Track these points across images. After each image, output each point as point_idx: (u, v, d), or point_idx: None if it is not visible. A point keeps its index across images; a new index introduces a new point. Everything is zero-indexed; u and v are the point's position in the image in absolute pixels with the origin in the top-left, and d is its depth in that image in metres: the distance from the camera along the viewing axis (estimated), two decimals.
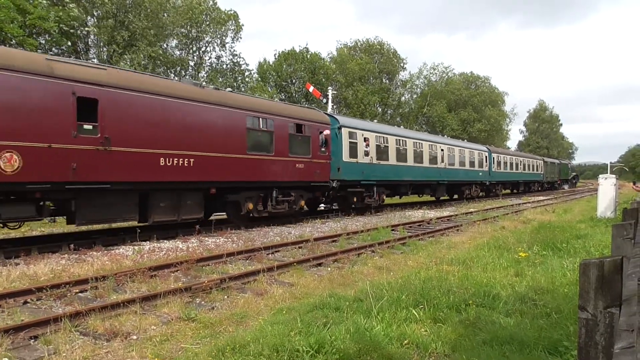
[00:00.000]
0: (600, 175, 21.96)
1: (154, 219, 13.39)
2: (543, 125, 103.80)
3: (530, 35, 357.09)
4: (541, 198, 39.79)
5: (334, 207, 22.75)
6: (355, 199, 21.82)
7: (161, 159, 13.03)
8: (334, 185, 19.85)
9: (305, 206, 19.61)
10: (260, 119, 16.36)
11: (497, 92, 73.87)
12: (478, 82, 71.01)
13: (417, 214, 23.15)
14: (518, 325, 5.68)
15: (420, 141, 27.83)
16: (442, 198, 32.41)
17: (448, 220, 20.63)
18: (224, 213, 17.17)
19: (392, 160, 24.37)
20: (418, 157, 26.94)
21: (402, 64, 56.12)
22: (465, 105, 63.78)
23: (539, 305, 6.55)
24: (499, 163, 39.52)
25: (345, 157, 20.67)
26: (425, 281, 7.65)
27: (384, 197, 24.61)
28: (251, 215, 16.75)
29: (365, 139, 22.20)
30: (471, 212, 23.92)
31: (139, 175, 12.58)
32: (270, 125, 16.70)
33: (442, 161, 29.90)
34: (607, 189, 20.43)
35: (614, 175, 21.90)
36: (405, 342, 5.27)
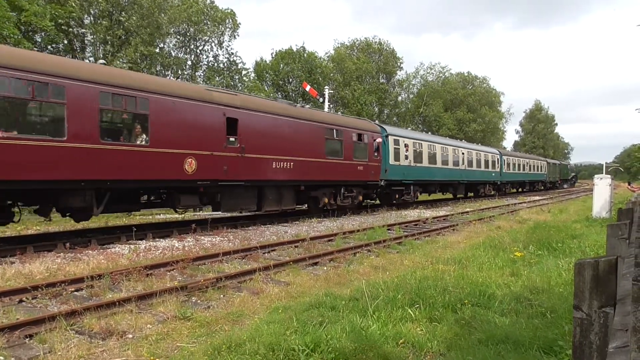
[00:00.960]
0: (595, 176, 22.05)
1: (265, 208, 17.24)
2: (539, 126, 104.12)
3: (525, 35, 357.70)
4: (537, 198, 39.91)
5: (377, 202, 26.09)
6: (397, 196, 25.68)
7: (273, 162, 16.83)
8: (382, 184, 23.53)
9: (362, 200, 23.32)
10: (334, 130, 20.24)
11: (495, 92, 74.09)
12: (475, 82, 71.17)
13: (413, 214, 23.19)
14: (513, 325, 5.70)
15: (446, 146, 31.48)
16: (458, 196, 35.37)
17: (444, 219, 20.67)
18: (305, 205, 20.85)
19: (425, 162, 28.05)
20: (444, 160, 30.67)
21: (399, 64, 56.20)
22: (461, 104, 63.97)
23: (535, 304, 6.57)
24: (508, 165, 43.51)
25: (391, 160, 24.29)
26: (421, 280, 7.67)
27: (418, 194, 28.38)
28: (325, 207, 20.51)
29: (406, 145, 25.93)
30: (467, 212, 23.98)
31: (260, 175, 16.39)
32: (340, 135, 20.51)
33: (463, 163, 33.52)
34: (602, 189, 20.51)
35: (609, 176, 21.99)
36: (401, 341, 5.29)
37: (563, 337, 5.09)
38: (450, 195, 35.74)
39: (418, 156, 27.20)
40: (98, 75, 11.80)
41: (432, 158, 28.94)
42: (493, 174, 39.57)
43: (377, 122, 27.82)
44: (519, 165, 46.97)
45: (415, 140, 27.49)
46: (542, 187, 57.17)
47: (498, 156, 41.06)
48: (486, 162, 38.15)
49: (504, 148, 72.38)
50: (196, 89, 15.25)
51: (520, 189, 50.65)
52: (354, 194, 21.82)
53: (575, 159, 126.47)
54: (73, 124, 11.06)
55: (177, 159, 13.50)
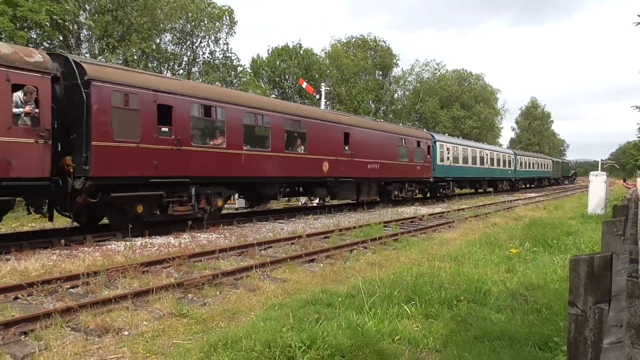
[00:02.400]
0: (591, 173, 22.12)
1: (361, 198, 23.22)
2: (535, 123, 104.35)
3: (520, 33, 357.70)
4: (532, 195, 40.02)
5: (427, 196, 31.78)
6: (441, 190, 31.75)
7: (368, 164, 22.70)
8: (431, 180, 29.34)
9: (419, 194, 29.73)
10: (403, 139, 26.45)
11: (490, 89, 74.19)
12: (471, 79, 71.24)
13: (409, 211, 23.22)
14: (509, 321, 5.72)
15: (475, 148, 37.60)
16: (479, 190, 40.68)
17: (440, 216, 20.71)
18: (378, 197, 25.28)
19: (461, 163, 33.95)
20: (474, 160, 36.34)
21: (395, 61, 56.16)
22: (456, 101, 64.12)
23: (530, 301, 6.60)
24: (521, 163, 49.43)
25: (438, 161, 30.26)
26: (417, 277, 7.68)
27: (455, 189, 34.44)
28: (394, 199, 25.98)
29: (447, 149, 31.81)
30: (463, 209, 24.03)
31: (361, 173, 22.32)
32: (406, 142, 26.72)
33: (487, 163, 39.16)
34: (597, 186, 20.58)
35: (604, 173, 22.06)
36: (397, 337, 5.30)
37: (558, 333, 5.11)
38: (472, 190, 40.45)
39: (455, 158, 33.11)
40: (283, 108, 18.50)
41: (465, 159, 34.71)
42: (509, 172, 45.39)
43: (424, 129, 35.10)
44: (529, 163, 53.09)
45: (453, 145, 33.42)
46: (548, 183, 62.94)
47: (513, 156, 47.06)
48: (504, 161, 43.81)
49: (500, 145, 72.65)
50: (328, 114, 22.34)
51: (529, 185, 55.62)
52: (413, 188, 28.06)
53: (570, 156, 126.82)
54: (272, 141, 17.09)
55: (319, 162, 19.66)
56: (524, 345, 4.98)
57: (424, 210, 23.61)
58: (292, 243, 12.41)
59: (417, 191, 28.75)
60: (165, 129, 13.21)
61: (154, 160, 12.86)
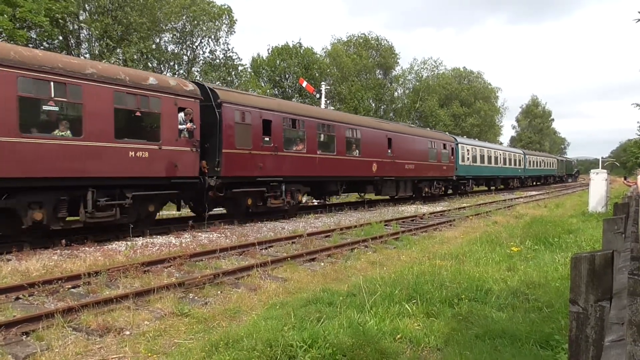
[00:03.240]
0: (591, 171, 22.12)
1: (399, 194, 26.29)
2: (535, 121, 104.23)
3: (519, 30, 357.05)
4: (533, 193, 39.99)
5: (448, 193, 34.45)
6: (462, 187, 35.16)
7: (406, 165, 26.00)
8: (454, 178, 32.71)
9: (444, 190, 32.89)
10: (432, 142, 29.73)
11: (490, 87, 74.12)
12: (471, 77, 71.17)
13: (410, 209, 23.23)
14: (510, 320, 5.72)
15: (490, 149, 41.14)
16: (490, 187, 43.36)
17: (441, 215, 20.71)
18: (412, 193, 28.30)
19: (478, 162, 37.38)
20: (489, 159, 39.77)
21: (396, 59, 56.11)
22: (456, 99, 64.14)
23: (531, 299, 6.60)
24: (529, 162, 52.46)
25: (460, 161, 33.72)
26: (418, 276, 7.68)
27: (473, 186, 38.42)
28: (424, 195, 29.25)
29: (467, 150, 35.37)
30: (464, 207, 24.02)
31: (400, 173, 25.57)
32: (435, 145, 29.93)
33: (500, 162, 42.44)
34: (598, 184, 20.57)
35: (605, 171, 22.05)
36: (398, 336, 5.30)
37: (559, 332, 5.11)
38: (486, 188, 43.85)
39: (474, 158, 36.49)
40: (344, 119, 22.31)
41: (482, 159, 38.23)
42: (519, 170, 48.53)
43: (447, 133, 39.36)
44: (537, 162, 56.33)
45: (472, 146, 36.86)
46: (553, 181, 66.45)
47: (522, 155, 50.20)
48: (514, 160, 47.01)
49: (501, 143, 72.71)
50: (376, 122, 25.92)
51: (536, 183, 58.75)
52: (440, 185, 31.29)
53: (571, 154, 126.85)
54: (337, 146, 20.67)
55: (370, 164, 22.86)
56: (525, 343, 4.98)
57: (424, 208, 23.62)
58: (293, 242, 12.41)
59: (443, 188, 32.13)
60: (267, 139, 16.69)
61: (259, 163, 16.36)
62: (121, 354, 5.23)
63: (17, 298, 7.15)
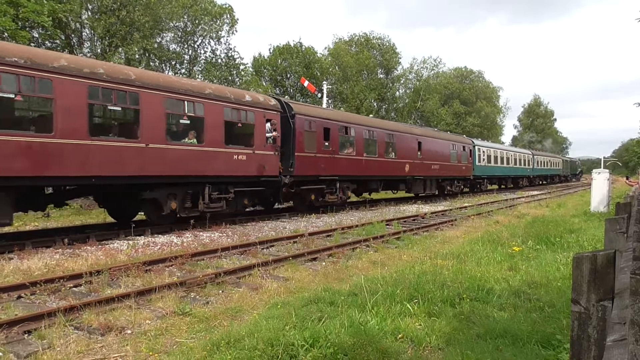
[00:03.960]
0: (593, 170, 22.08)
1: (426, 191, 29.35)
2: (537, 120, 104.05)
3: (519, 30, 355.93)
4: (535, 192, 39.94)
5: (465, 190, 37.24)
6: (478, 186, 38.65)
7: (432, 165, 28.91)
8: (471, 177, 35.83)
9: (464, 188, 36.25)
10: (454, 144, 32.88)
11: (492, 87, 74.01)
12: (472, 76, 71.07)
13: (411, 209, 23.22)
14: (512, 319, 5.72)
15: (502, 150, 44.39)
16: (501, 186, 46.99)
17: (442, 214, 20.70)
18: (437, 191, 31.17)
19: (492, 163, 40.43)
20: (502, 160, 42.75)
21: (397, 59, 56.02)
22: (457, 98, 64.11)
23: (533, 299, 6.59)
24: (537, 162, 55.25)
25: (477, 162, 36.76)
26: (420, 275, 7.68)
27: (488, 185, 41.79)
28: (446, 192, 32.20)
29: (483, 152, 38.48)
30: (465, 207, 24.00)
31: (428, 172, 28.51)
32: (456, 147, 33.00)
33: (511, 162, 45.37)
34: (600, 184, 20.54)
35: (607, 170, 22.01)
36: (400, 336, 5.29)
37: (561, 331, 5.10)
38: (498, 186, 47.02)
39: (489, 158, 39.58)
40: (384, 125, 25.60)
41: (495, 159, 41.19)
42: (528, 170, 51.40)
43: (464, 136, 42.29)
44: (544, 162, 59.43)
45: (487, 148, 40.20)
46: (559, 180, 69.77)
47: (531, 156, 52.99)
48: (524, 160, 49.82)
49: (503, 143, 72.69)
50: (408, 127, 29.53)
51: (542, 182, 61.50)
52: (460, 184, 34.53)
53: (572, 154, 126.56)
54: (378, 149, 23.67)
55: (403, 165, 25.78)
56: (527, 343, 4.97)
57: (426, 208, 23.61)
58: (294, 242, 12.41)
59: (462, 186, 35.17)
60: (326, 144, 19.92)
61: (321, 165, 19.47)
62: (122, 352, 5.24)
63: (19, 297, 7.16)
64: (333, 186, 20.54)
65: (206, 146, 14.41)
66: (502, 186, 45.99)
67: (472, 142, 36.98)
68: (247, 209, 18.38)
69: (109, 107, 12.45)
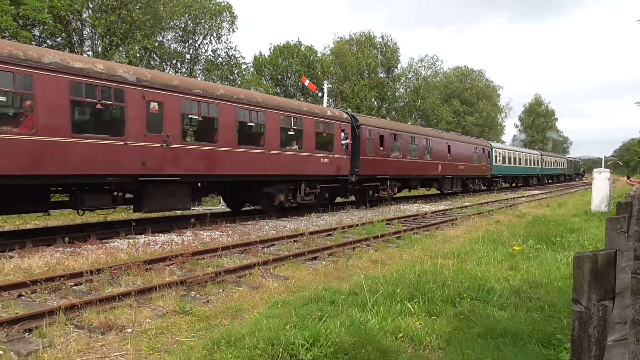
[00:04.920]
0: (594, 170, 22.05)
1: (452, 189, 33.01)
2: (538, 120, 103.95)
3: (520, 29, 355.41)
4: (535, 192, 39.93)
5: (482, 188, 40.83)
6: (494, 184, 42.24)
7: (459, 165, 32.80)
8: (489, 176, 39.95)
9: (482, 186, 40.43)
10: (475, 147, 36.92)
11: (493, 86, 73.96)
12: (473, 75, 71.00)
13: (412, 208, 23.22)
14: (512, 319, 5.71)
15: (515, 151, 48.64)
16: (512, 185, 51.15)
17: (443, 214, 20.69)
18: (461, 189, 35.09)
19: (506, 163, 44.11)
20: (515, 160, 46.69)
21: (397, 58, 55.94)
22: (457, 97, 64.08)
23: (533, 298, 6.58)
24: (545, 162, 59.29)
25: (494, 163, 40.58)
26: (420, 275, 7.67)
27: (503, 183, 46.08)
28: (469, 189, 36.19)
29: (499, 153, 42.31)
30: (466, 206, 23.99)
31: (455, 172, 32.41)
32: (477, 149, 36.99)
33: (522, 162, 49.29)
34: (601, 183, 20.51)
35: (608, 170, 21.99)
36: (400, 335, 5.29)
37: (562, 331, 5.10)
38: (507, 185, 50.47)
39: (504, 159, 43.41)
40: (423, 132, 29.86)
41: (509, 160, 45.00)
42: (537, 169, 55.27)
43: (482, 138, 47.72)
44: (551, 162, 63.55)
45: (502, 149, 44.43)
46: (564, 179, 74.08)
47: (539, 156, 56.83)
48: (533, 160, 53.59)
49: (503, 142, 72.74)
50: (440, 133, 33.30)
51: (549, 180, 65.83)
52: (479, 183, 38.83)
53: (573, 153, 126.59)
54: (419, 152, 27.54)
55: (436, 165, 29.59)
56: (528, 342, 4.97)
57: (426, 207, 23.60)
58: (294, 241, 12.41)
59: (481, 184, 39.68)
60: (381, 149, 23.85)
61: (378, 166, 23.37)
62: (123, 351, 5.24)
63: (20, 295, 7.17)
64: (385, 184, 24.43)
65: (304, 152, 18.67)
66: (513, 184, 50.08)
67: (490, 144, 41.43)
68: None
69: (247, 124, 16.42)
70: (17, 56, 10.03)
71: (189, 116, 14.41)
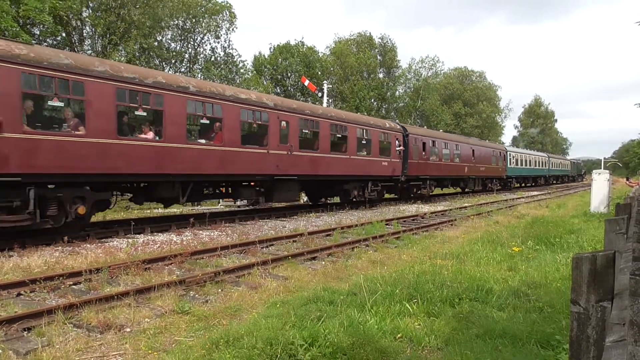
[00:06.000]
0: (594, 171, 22.07)
1: (474, 188, 36.99)
2: (538, 121, 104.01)
3: (519, 30, 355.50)
4: (535, 193, 39.95)
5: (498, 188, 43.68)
6: (509, 184, 46.54)
7: (481, 167, 36.97)
8: (504, 177, 43.82)
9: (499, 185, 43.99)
10: (493, 150, 40.86)
11: (493, 87, 73.99)
12: (473, 77, 70.99)
13: (411, 209, 23.22)
14: (511, 319, 5.72)
15: (526, 154, 52.71)
16: (522, 185, 53.90)
17: (442, 214, 20.69)
18: (481, 187, 38.86)
19: (519, 165, 48.41)
20: (526, 162, 50.84)
21: (395, 58, 55.91)
22: (458, 99, 64.04)
23: (532, 299, 6.59)
24: (552, 164, 63.47)
25: (509, 165, 44.56)
26: (419, 275, 7.68)
27: (516, 184, 50.07)
28: (488, 188, 40.19)
29: (513, 156, 46.27)
30: (465, 207, 24.00)
31: (478, 173, 36.36)
32: (494, 153, 40.89)
33: (532, 164, 53.42)
34: (600, 185, 20.53)
35: (607, 171, 22.00)
36: (399, 335, 5.30)
37: (560, 332, 5.10)
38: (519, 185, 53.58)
39: (517, 161, 47.60)
40: (458, 138, 35.38)
41: (521, 162, 49.20)
42: (544, 171, 59.35)
43: (497, 142, 54.98)
44: (557, 164, 67.91)
45: (515, 152, 48.77)
46: (567, 180, 77.74)
47: (547, 158, 61.11)
48: (541, 162, 57.61)
49: (502, 143, 72.83)
50: (466, 139, 37.31)
51: (555, 181, 68.91)
52: (496, 183, 42.36)
53: (573, 154, 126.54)
54: (451, 157, 32.01)
55: (463, 167, 33.64)
56: (526, 343, 4.97)
57: (425, 208, 23.61)
58: (293, 241, 12.41)
59: (498, 184, 43.48)
60: (423, 154, 27.97)
61: (421, 167, 27.48)
62: (122, 350, 5.24)
63: (19, 294, 7.17)
64: (425, 183, 28.57)
65: (371, 157, 23.09)
66: (523, 184, 53.67)
67: (505, 148, 46.25)
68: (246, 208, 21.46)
69: (336, 135, 20.89)
70: (242, 98, 15.95)
71: (303, 131, 19.15)
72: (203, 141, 14.87)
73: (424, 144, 28.17)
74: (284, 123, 17.47)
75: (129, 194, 14.61)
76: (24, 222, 10.44)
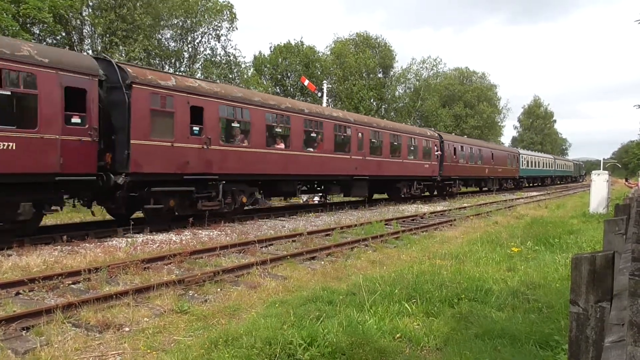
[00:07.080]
0: (593, 172, 22.09)
1: (488, 187, 40.68)
2: (537, 122, 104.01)
3: (518, 31, 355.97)
4: (534, 193, 39.97)
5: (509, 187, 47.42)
6: (521, 184, 50.55)
7: (498, 169, 41.70)
8: (517, 177, 48.05)
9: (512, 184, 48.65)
10: (509, 153, 45.71)
11: (494, 88, 74.00)
12: (474, 77, 70.98)
13: (410, 209, 23.22)
14: (510, 320, 5.72)
15: (536, 157, 57.55)
16: (530, 185, 57.73)
17: (441, 215, 20.70)
18: (498, 187, 42.47)
19: (529, 166, 52.64)
20: (535, 164, 55.48)
21: (392, 58, 55.85)
22: (459, 100, 64.05)
23: (531, 299, 6.59)
24: (558, 165, 68.37)
25: (521, 166, 48.92)
26: (418, 275, 7.68)
27: (526, 184, 54.24)
28: (502, 187, 43.72)
29: (524, 158, 50.45)
30: (464, 207, 24.00)
31: (496, 174, 41.47)
32: (509, 156, 45.04)
33: (541, 165, 58.15)
34: (599, 185, 20.54)
35: (606, 172, 22.01)
36: (398, 335, 5.29)
37: (559, 332, 5.10)
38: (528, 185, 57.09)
39: (528, 163, 52.22)
40: (480, 143, 41.24)
41: (531, 164, 53.74)
42: (551, 171, 64.08)
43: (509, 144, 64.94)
44: (562, 165, 73.10)
45: (527, 155, 53.44)
46: (570, 180, 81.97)
47: (553, 160, 66.00)
48: (548, 164, 62.59)
49: (502, 144, 72.81)
50: (486, 143, 43.67)
51: (559, 182, 73.05)
52: (510, 183, 46.54)
53: (572, 155, 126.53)
54: (475, 158, 37.07)
55: (484, 169, 38.07)
56: (525, 343, 4.97)
57: (425, 208, 23.61)
58: (293, 240, 12.41)
59: (513, 184, 47.88)
60: (454, 157, 32.42)
61: (452, 169, 31.97)
62: (120, 350, 5.24)
63: (18, 293, 7.16)
64: (455, 183, 33.24)
65: (418, 160, 27.94)
66: (532, 184, 57.60)
67: (518, 151, 51.07)
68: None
69: (394, 143, 25.66)
70: (334, 116, 21.37)
71: (372, 140, 23.63)
72: (311, 149, 19.49)
73: (454, 148, 32.71)
74: (360, 134, 22.48)
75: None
76: (215, 207, 15.00)
